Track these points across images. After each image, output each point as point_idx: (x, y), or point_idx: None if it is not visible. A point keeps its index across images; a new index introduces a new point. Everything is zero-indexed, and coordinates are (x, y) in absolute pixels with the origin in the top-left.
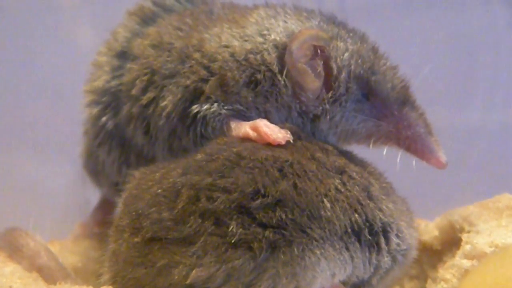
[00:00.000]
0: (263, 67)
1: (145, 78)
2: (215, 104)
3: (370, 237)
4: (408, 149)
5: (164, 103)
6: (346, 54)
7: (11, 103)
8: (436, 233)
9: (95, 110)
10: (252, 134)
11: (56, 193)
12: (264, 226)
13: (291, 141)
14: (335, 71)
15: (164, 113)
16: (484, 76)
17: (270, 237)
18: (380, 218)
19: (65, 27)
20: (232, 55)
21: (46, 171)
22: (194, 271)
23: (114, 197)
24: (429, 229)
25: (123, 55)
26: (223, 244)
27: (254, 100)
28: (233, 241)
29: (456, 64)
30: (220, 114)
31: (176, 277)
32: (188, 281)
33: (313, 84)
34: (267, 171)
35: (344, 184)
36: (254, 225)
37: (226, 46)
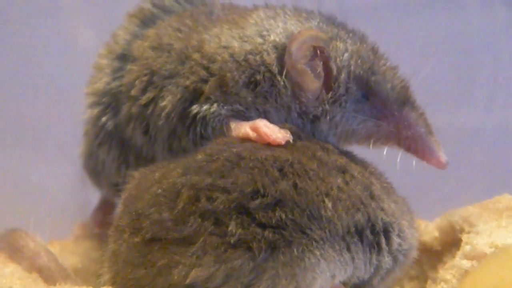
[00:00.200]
0: (262, 68)
1: (145, 78)
2: (215, 105)
3: (371, 237)
4: (408, 149)
5: (164, 103)
6: (346, 55)
7: (11, 103)
8: (436, 233)
9: (95, 111)
10: (252, 134)
11: (56, 193)
12: (263, 226)
13: (291, 141)
14: (334, 72)
15: (163, 113)
16: (484, 77)
17: (270, 238)
18: (382, 217)
19: (66, 28)
20: (231, 55)
21: (46, 171)
22: (193, 271)
23: (114, 197)
24: (429, 229)
25: (124, 57)
26: (223, 244)
27: (253, 100)
28: (232, 241)
29: (456, 65)
30: (220, 114)
31: (176, 277)
32: (187, 281)
33: (313, 85)
34: (267, 171)
35: (346, 183)
36: (253, 225)
37: (226, 47)
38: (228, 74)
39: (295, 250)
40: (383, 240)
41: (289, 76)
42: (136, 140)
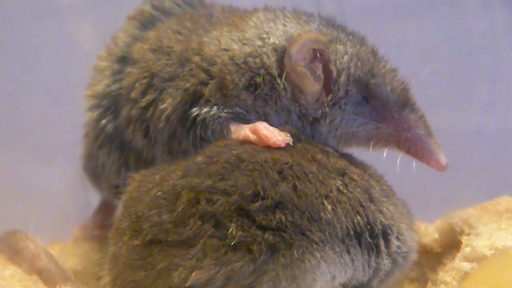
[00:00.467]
0: (262, 71)
1: (145, 81)
2: (215, 107)
3: (370, 240)
4: (408, 151)
5: (164, 105)
6: (346, 57)
7: (11, 105)
8: (436, 235)
9: (95, 113)
10: (252, 136)
11: (56, 195)
12: (263, 229)
13: (291, 143)
14: (334, 74)
15: (163, 116)
16: (483, 79)
17: (270, 240)
18: (381, 220)
19: (66, 30)
20: (231, 58)
21: (46, 173)
22: (193, 274)
23: (114, 199)
24: (429, 231)
25: (123, 60)
26: (223, 247)
27: (253, 103)
28: (232, 243)
29: (455, 67)
30: (219, 117)
31: (176, 280)
32: (187, 284)
33: (313, 87)
34: (267, 173)
35: (346, 185)
36: (253, 228)
37: (226, 50)
38: (228, 77)
39: (295, 252)
40: (382, 243)
41: (289, 78)
42: (136, 143)
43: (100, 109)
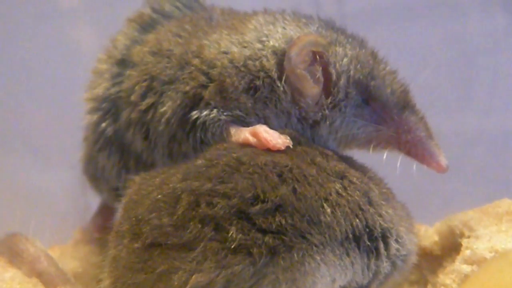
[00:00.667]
0: (262, 74)
1: (145, 84)
2: (215, 110)
3: (369, 243)
4: (408, 153)
5: (164, 108)
6: (345, 60)
7: (11, 108)
8: (436, 238)
9: (95, 116)
10: (251, 139)
11: (56, 198)
12: (263, 232)
13: (291, 146)
14: (334, 77)
15: (163, 119)
16: (483, 81)
17: (270, 243)
18: (380, 223)
19: (66, 32)
20: (231, 61)
21: (46, 176)
22: (194, 277)
23: (114, 202)
24: (429, 234)
25: (123, 63)
26: (223, 250)
27: (253, 106)
28: (232, 246)
29: (455, 69)
30: (219, 120)
31: (176, 283)
32: (188, 287)
33: (312, 90)
34: (267, 176)
35: (345, 188)
36: (253, 231)
37: (225, 53)
38: (228, 80)
39: (295, 255)
40: (381, 246)
41: (289, 81)
42: (136, 146)
43: (100, 112)
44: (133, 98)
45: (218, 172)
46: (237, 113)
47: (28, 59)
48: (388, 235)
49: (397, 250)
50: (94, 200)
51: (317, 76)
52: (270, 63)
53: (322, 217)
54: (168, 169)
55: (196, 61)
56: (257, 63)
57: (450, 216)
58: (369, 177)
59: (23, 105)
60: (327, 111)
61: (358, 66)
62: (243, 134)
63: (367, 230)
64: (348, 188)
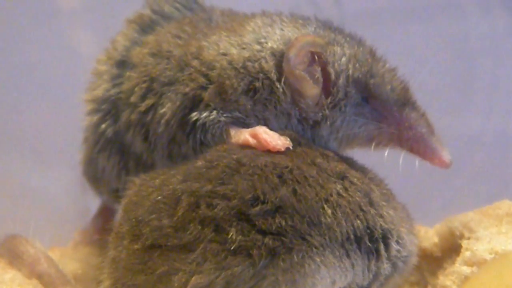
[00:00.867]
0: (261, 75)
1: (144, 85)
2: (214, 112)
3: (370, 244)
4: (411, 150)
5: (163, 110)
6: (344, 59)
7: (11, 109)
8: (436, 239)
9: (95, 118)
10: (251, 141)
11: (56, 200)
12: (263, 233)
13: (291, 147)
14: (333, 76)
15: (163, 120)
16: (483, 83)
17: (270, 244)
18: (381, 224)
19: (65, 33)
20: (230, 63)
21: (46, 178)
22: (193, 278)
23: (114, 204)
24: (429, 235)
25: (123, 64)
26: (223, 251)
27: (252, 107)
28: (232, 248)
29: (455, 71)
30: (219, 121)
31: (176, 284)
32: None
33: (312, 91)
34: (267, 177)
35: (346, 189)
36: (253, 232)
37: (224, 54)
38: (227, 82)
39: (295, 257)
40: (382, 247)
41: (288, 82)
42: (136, 147)
43: (100, 114)
44: (132, 99)
45: (218, 173)
46: (236, 115)
47: (28, 60)
48: (389, 236)
49: (398, 251)
50: (94, 202)
51: (316, 76)
52: (269, 65)
53: (322, 218)
54: (168, 170)
55: (195, 63)
56: (256, 64)
57: (450, 218)
58: (369, 178)
59: (23, 107)
60: (327, 111)
61: (357, 64)
62: (243, 135)
63: (368, 231)
64: (349, 189)
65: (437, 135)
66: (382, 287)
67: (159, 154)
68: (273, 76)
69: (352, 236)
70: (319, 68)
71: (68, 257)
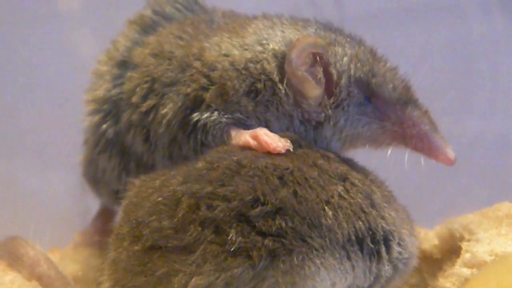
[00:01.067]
0: (263, 76)
1: (146, 86)
2: (215, 113)
3: (371, 246)
4: (414, 148)
5: (165, 110)
6: (345, 59)
7: (10, 110)
8: (436, 241)
9: (95, 118)
10: (252, 142)
11: (56, 201)
12: (263, 235)
13: (291, 149)
14: (335, 77)
15: (164, 121)
16: (483, 85)
17: (270, 246)
18: (382, 226)
19: (65, 34)
20: (232, 64)
21: (46, 179)
22: (193, 280)
23: (114, 205)
24: (429, 237)
25: (124, 64)
26: (223, 253)
27: (254, 109)
28: (232, 249)
29: (455, 73)
30: (220, 122)
31: (176, 286)
32: None
33: (314, 91)
34: (267, 179)
35: (347, 191)
36: (253, 234)
37: (226, 55)
38: (229, 83)
39: (295, 259)
40: (383, 249)
41: (290, 84)
42: (136, 148)
43: (101, 114)
44: (134, 100)
45: (218, 175)
46: (238, 116)
47: (28, 61)
48: (391, 238)
49: (399, 253)
50: (94, 203)
51: (318, 77)
52: (271, 66)
53: (323, 220)
54: (168, 171)
55: (197, 64)
56: (258, 66)
57: (450, 219)
58: (370, 179)
59: (23, 108)
60: (330, 111)
61: (359, 64)
62: (243, 137)
63: (370, 232)
64: (350, 191)
65: (440, 132)
66: None
67: (159, 155)
68: (275, 77)
69: (353, 238)
70: (321, 69)
71: (68, 258)
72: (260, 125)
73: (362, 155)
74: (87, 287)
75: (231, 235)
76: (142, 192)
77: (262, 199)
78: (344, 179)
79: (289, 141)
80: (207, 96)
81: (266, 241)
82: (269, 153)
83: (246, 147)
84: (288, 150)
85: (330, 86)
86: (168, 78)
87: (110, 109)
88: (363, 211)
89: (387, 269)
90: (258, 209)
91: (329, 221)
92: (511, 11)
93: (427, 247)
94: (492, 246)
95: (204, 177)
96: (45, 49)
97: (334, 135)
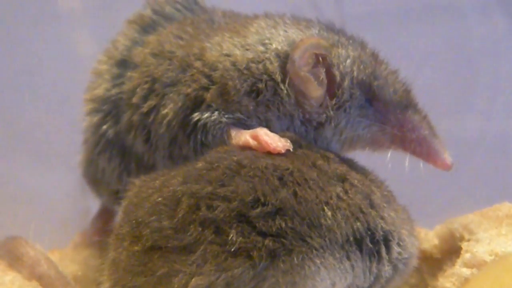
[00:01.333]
0: (265, 76)
1: (146, 86)
2: (216, 113)
3: (371, 246)
4: (413, 152)
5: (165, 111)
6: (348, 61)
7: (10, 110)
8: (436, 241)
9: (95, 118)
10: (252, 142)
11: (56, 202)
12: (263, 235)
13: (291, 150)
14: (338, 78)
15: (164, 121)
16: (484, 85)
17: (270, 246)
18: (382, 226)
19: (65, 34)
20: (233, 64)
21: (46, 179)
22: (193, 280)
23: (114, 205)
24: (429, 237)
25: (123, 64)
26: (223, 253)
27: (255, 109)
28: (232, 249)
29: (455, 73)
30: (220, 122)
31: (176, 286)
32: None
33: (316, 92)
34: (267, 179)
35: (346, 191)
36: (253, 234)
37: (227, 55)
38: (230, 83)
39: (295, 258)
40: (383, 249)
41: (292, 84)
42: (137, 148)
43: (101, 114)
44: (134, 100)
45: (218, 175)
46: (238, 116)
47: (28, 61)
48: (390, 238)
49: (399, 253)
50: (94, 203)
51: (321, 78)
52: (274, 66)
53: (322, 220)
54: (169, 171)
55: (198, 64)
56: (260, 66)
57: (450, 220)
58: (370, 179)
59: (23, 108)
60: (331, 113)
61: (361, 66)
62: (243, 136)
63: (369, 233)
64: (350, 191)
65: (439, 137)
66: None
67: (160, 155)
68: (278, 77)
69: (352, 238)
70: (324, 70)
71: (68, 259)
72: (260, 125)
73: (362, 155)
74: (87, 287)
75: (231, 235)
76: (142, 192)
77: (262, 199)
78: (343, 179)
79: (289, 141)
80: (208, 96)
81: (266, 241)
82: (269, 153)
83: (246, 147)
84: (288, 150)
85: (332, 87)
86: (168, 78)
87: (110, 109)
88: (362, 212)
89: (387, 269)
90: (258, 210)
91: (329, 221)
92: (511, 11)
93: (427, 247)
94: (492, 246)
95: (204, 177)
96: (45, 49)
97: (335, 136)
